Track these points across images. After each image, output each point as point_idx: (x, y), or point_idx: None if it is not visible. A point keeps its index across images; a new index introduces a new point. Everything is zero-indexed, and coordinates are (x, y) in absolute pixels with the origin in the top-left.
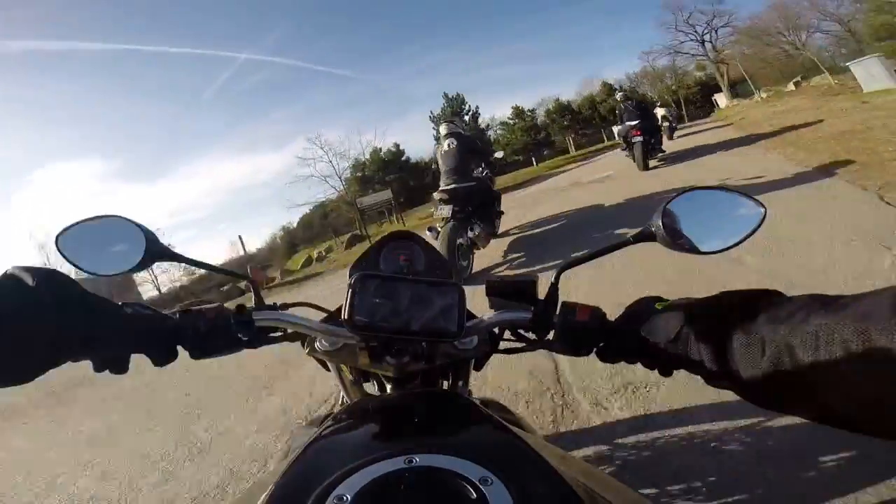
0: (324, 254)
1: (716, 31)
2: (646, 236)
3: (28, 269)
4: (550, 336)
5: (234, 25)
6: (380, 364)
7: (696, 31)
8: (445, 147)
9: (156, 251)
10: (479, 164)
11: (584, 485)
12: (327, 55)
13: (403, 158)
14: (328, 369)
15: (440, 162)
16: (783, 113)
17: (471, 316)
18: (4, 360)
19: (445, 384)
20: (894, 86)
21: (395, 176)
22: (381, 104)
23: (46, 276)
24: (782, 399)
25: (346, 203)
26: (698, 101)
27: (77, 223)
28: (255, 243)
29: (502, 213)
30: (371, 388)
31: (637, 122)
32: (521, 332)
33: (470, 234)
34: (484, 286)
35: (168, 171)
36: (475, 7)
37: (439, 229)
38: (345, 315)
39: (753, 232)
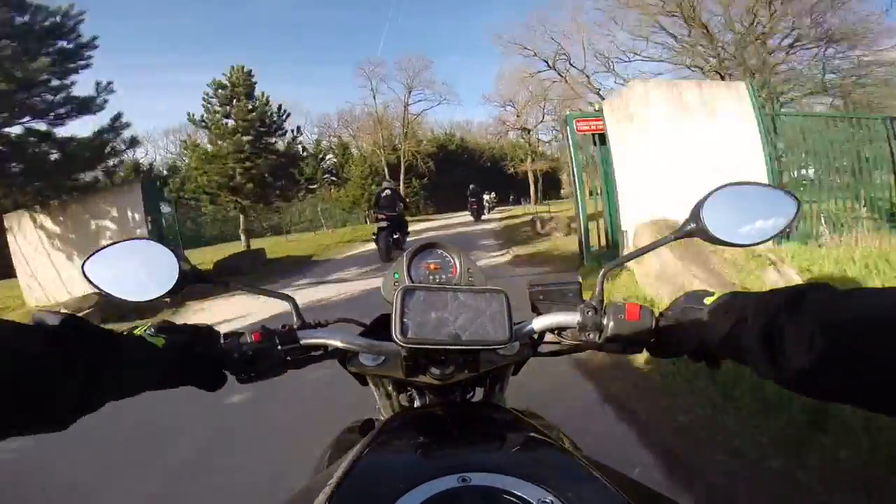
0: None
1: None
2: (686, 232)
3: (54, 314)
4: (597, 337)
5: None
6: (423, 374)
7: None
8: (384, 193)
9: (189, 275)
10: (399, 204)
11: None
12: None
13: None
14: (363, 383)
15: (381, 200)
16: None
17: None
18: (38, 406)
19: (480, 391)
20: None
21: None
22: None
23: (72, 322)
24: (835, 390)
25: None
26: None
27: (104, 247)
28: None
29: (409, 233)
30: (406, 398)
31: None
32: (565, 333)
33: (395, 236)
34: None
35: None
36: None
37: (378, 234)
38: (395, 330)
39: (790, 223)
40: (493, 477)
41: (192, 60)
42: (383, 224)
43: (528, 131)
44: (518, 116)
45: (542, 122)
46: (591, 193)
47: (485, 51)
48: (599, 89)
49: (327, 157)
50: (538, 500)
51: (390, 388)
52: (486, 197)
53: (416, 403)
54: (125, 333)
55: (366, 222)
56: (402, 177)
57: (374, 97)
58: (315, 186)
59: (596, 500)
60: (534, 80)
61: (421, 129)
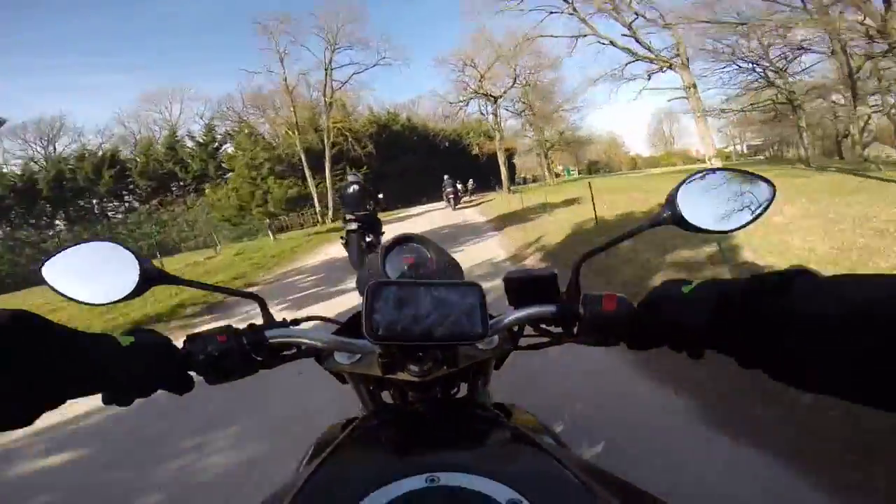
0: None
1: None
2: (661, 220)
3: (3, 311)
4: (575, 329)
5: None
6: (401, 372)
7: None
8: (350, 189)
9: (151, 276)
10: (370, 201)
11: None
12: None
13: None
14: (343, 381)
15: (346, 198)
16: None
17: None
18: None
19: (465, 386)
20: None
21: None
22: None
23: (14, 319)
24: (817, 378)
25: None
26: None
27: (62, 249)
28: None
29: (383, 232)
30: (387, 395)
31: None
32: (544, 326)
33: (368, 238)
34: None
35: None
36: None
37: (347, 237)
38: (364, 327)
39: (765, 209)
40: (463, 477)
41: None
42: (353, 226)
43: (495, 100)
44: (481, 80)
45: (511, 87)
46: None
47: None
48: (634, 20)
49: (222, 148)
50: (507, 501)
51: (371, 386)
52: (459, 186)
53: (398, 401)
54: (92, 335)
55: (272, 235)
56: (327, 165)
57: (281, 62)
58: (206, 186)
59: (568, 500)
60: (506, 33)
61: (355, 105)
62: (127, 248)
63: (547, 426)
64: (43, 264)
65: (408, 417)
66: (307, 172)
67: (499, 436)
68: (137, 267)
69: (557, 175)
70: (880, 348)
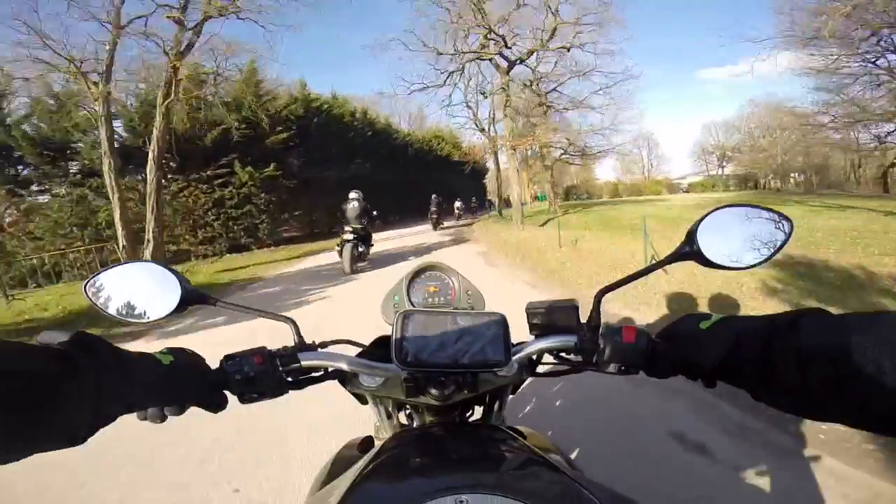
0: None
1: None
2: (681, 255)
3: (61, 333)
4: (594, 358)
5: None
6: (423, 395)
7: None
8: (351, 206)
9: (191, 297)
10: (366, 217)
11: None
12: None
13: None
14: (363, 402)
15: (347, 212)
16: None
17: (512, 342)
18: (53, 423)
19: (479, 409)
20: None
21: None
22: None
23: (80, 339)
24: (828, 410)
25: None
26: None
27: (105, 269)
28: None
29: (372, 244)
30: (405, 416)
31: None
32: (563, 354)
33: (360, 249)
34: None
35: None
36: None
37: (343, 245)
38: (394, 354)
39: (784, 243)
40: (490, 498)
41: None
42: (349, 237)
43: (510, 67)
44: (489, 37)
45: (550, 38)
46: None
47: None
48: None
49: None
50: None
51: (390, 407)
52: (459, 204)
53: (416, 422)
54: (137, 354)
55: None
56: (152, 153)
57: None
58: None
59: None
60: None
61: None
62: (169, 269)
63: (559, 448)
64: (87, 283)
65: (432, 440)
66: (107, 166)
67: (519, 458)
68: (178, 287)
69: (536, 199)
70: (880, 377)
